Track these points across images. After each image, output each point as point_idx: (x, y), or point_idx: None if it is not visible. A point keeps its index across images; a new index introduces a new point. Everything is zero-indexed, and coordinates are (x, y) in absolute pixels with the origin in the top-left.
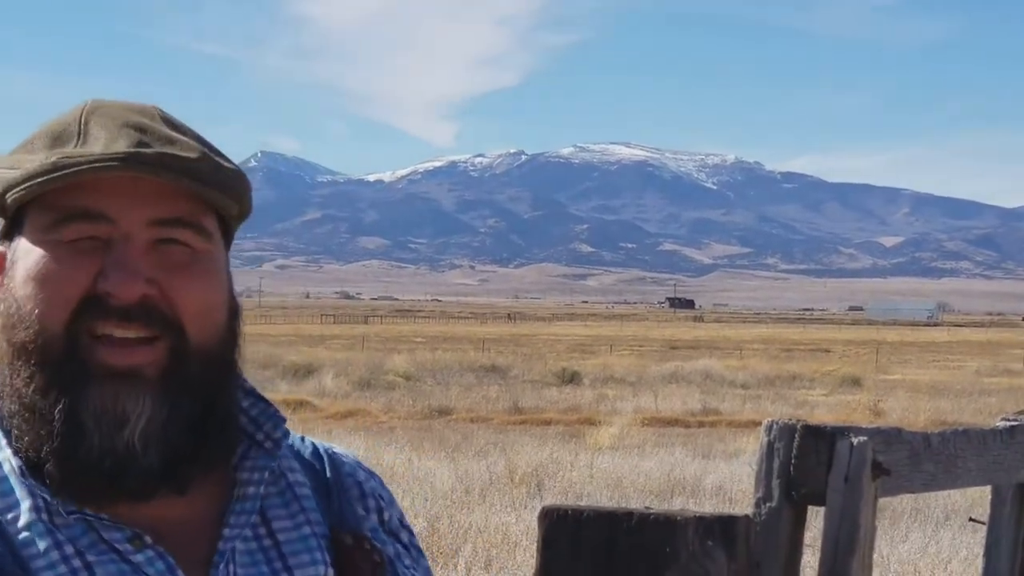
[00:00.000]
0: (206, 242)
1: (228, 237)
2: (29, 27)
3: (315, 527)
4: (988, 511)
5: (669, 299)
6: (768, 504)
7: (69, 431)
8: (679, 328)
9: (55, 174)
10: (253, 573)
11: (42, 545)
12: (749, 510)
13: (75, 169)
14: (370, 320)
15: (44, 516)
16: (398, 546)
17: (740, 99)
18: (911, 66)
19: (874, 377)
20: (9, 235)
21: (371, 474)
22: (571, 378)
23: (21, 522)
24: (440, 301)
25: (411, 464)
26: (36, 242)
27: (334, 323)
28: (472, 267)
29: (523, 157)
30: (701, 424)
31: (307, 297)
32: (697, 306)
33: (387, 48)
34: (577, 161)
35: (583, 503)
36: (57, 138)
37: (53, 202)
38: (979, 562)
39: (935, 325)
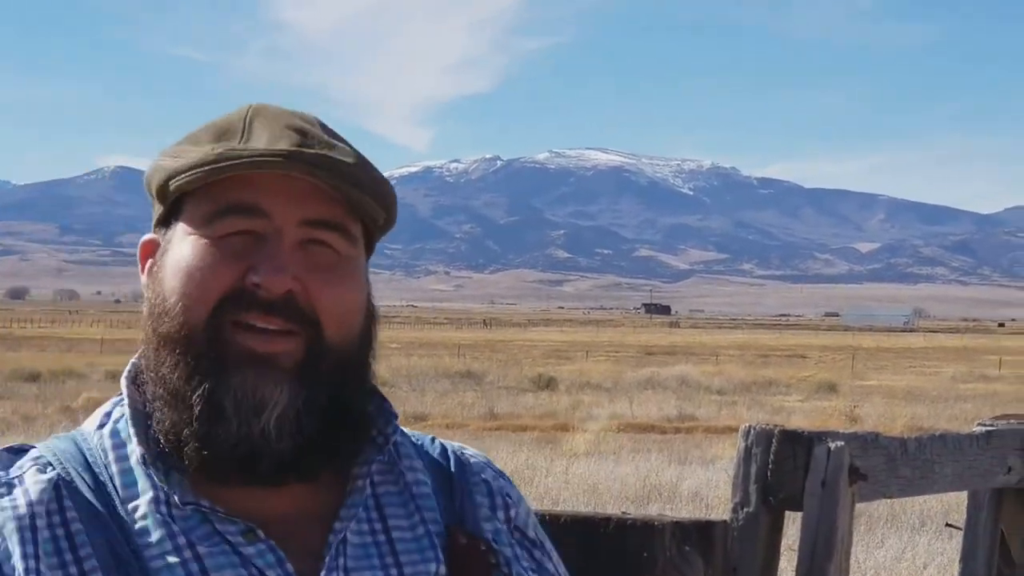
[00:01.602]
0: (350, 247)
1: (370, 245)
2: (1, 28)
3: (430, 526)
4: (964, 517)
5: (645, 305)
6: (745, 509)
7: (209, 415)
8: (655, 334)
9: (218, 164)
10: (364, 566)
11: (156, 535)
12: (726, 516)
13: (238, 162)
14: None
15: (163, 508)
16: (518, 549)
17: (716, 104)
18: (887, 71)
19: (850, 383)
20: (166, 222)
21: (499, 473)
22: (547, 384)
23: (139, 512)
24: (416, 307)
25: None
26: (188, 235)
27: None
28: (448, 273)
29: (499, 163)
30: (677, 430)
31: None
32: (673, 312)
33: (363, 53)
34: (553, 166)
35: (559, 509)
36: (222, 134)
37: (212, 194)
38: (955, 568)
39: (911, 331)
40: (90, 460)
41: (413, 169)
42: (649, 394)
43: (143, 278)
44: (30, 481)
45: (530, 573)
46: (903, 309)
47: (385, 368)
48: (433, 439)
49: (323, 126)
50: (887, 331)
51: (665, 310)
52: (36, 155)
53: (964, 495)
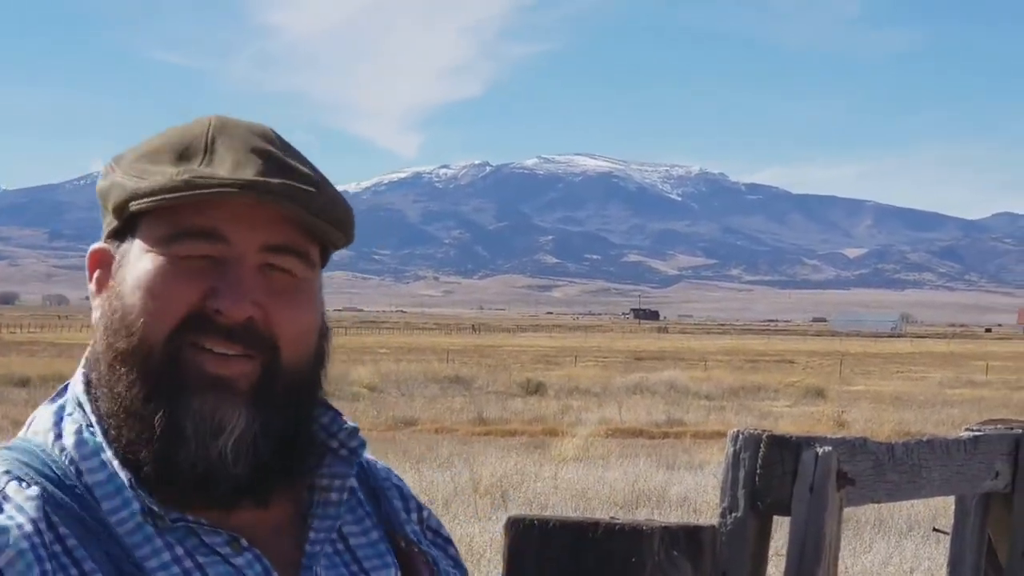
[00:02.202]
0: (308, 269)
1: (325, 261)
2: None
3: (378, 531)
4: (952, 522)
5: (634, 310)
6: (733, 514)
7: (170, 437)
8: (644, 339)
9: (185, 192)
10: (334, 575)
11: (153, 547)
12: (715, 520)
13: (205, 191)
14: (334, 331)
15: (150, 520)
16: (435, 549)
17: (705, 110)
18: (875, 78)
19: (838, 388)
20: (120, 236)
21: (400, 479)
22: (536, 389)
23: (127, 526)
24: (405, 312)
25: None
26: (149, 252)
27: None
28: (437, 278)
29: (488, 168)
30: (665, 435)
31: None
32: (662, 317)
33: (352, 58)
34: (542, 172)
35: (548, 514)
36: (183, 153)
37: (173, 216)
38: (942, 573)
39: (898, 336)
40: (59, 473)
41: (402, 175)
42: (638, 399)
43: (91, 286)
44: (19, 497)
45: (452, 570)
46: (890, 314)
47: (374, 373)
48: None
49: (283, 145)
50: (874, 336)
51: (654, 315)
52: (25, 160)
53: (951, 500)
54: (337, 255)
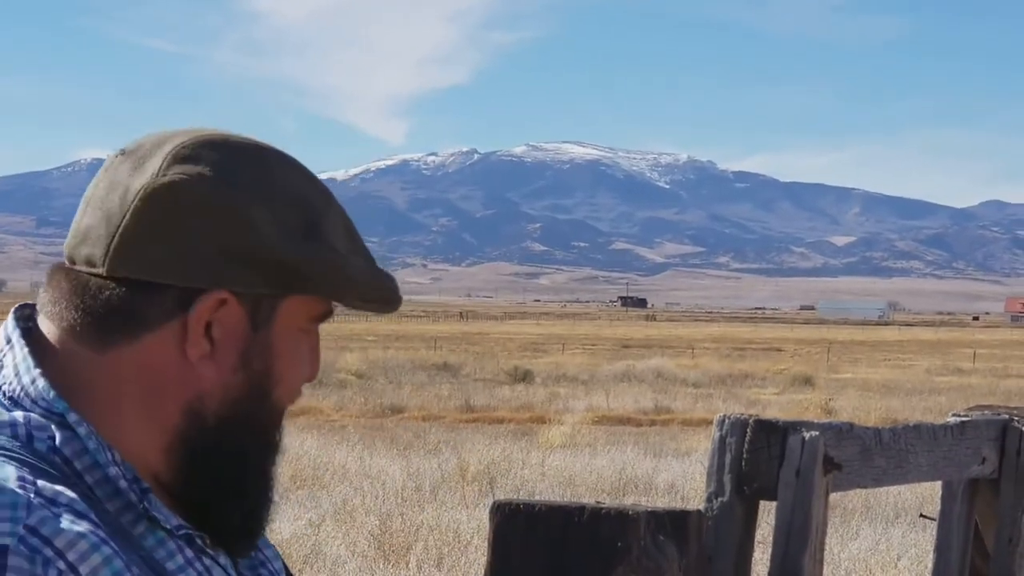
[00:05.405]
0: None
1: None
2: None
3: None
4: (939, 508)
5: (621, 298)
6: (720, 499)
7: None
8: (631, 327)
9: (377, 301)
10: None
11: (168, 549)
12: (701, 506)
13: (380, 304)
14: None
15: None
16: None
17: (693, 98)
18: (863, 65)
19: (825, 376)
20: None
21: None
22: (523, 376)
23: (141, 528)
24: None
25: (363, 462)
26: (300, 331)
27: None
28: (424, 266)
29: (476, 156)
30: (653, 423)
31: None
32: (649, 305)
33: (339, 44)
34: (530, 160)
35: (534, 499)
36: (312, 226)
37: (315, 300)
38: (929, 559)
39: (886, 324)
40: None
41: (390, 162)
42: (625, 387)
43: (202, 342)
44: (63, 499)
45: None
46: (878, 302)
47: (362, 360)
48: None
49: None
50: (862, 324)
51: (641, 303)
52: (12, 147)
53: (938, 487)
54: None
